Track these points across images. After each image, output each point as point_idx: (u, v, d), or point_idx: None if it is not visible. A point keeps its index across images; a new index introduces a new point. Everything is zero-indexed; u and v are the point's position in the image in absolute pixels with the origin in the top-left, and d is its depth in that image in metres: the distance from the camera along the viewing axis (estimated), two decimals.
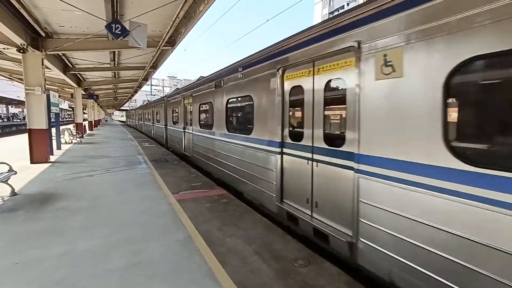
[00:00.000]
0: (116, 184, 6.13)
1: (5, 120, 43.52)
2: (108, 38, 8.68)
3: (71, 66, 13.35)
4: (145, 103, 31.99)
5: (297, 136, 3.90)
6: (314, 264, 2.90)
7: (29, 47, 7.98)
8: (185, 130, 10.02)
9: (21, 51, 7.94)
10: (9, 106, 50.06)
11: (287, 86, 4.03)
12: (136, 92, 29.13)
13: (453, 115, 2.13)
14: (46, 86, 9.15)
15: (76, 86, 17.15)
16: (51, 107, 10.04)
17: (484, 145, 2.04)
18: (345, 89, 3.09)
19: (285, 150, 4.11)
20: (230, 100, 5.95)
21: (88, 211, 4.39)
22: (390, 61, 2.48)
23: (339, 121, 3.46)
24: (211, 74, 7.21)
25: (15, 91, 30.37)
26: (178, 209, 4.52)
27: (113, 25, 6.27)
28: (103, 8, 6.51)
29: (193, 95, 8.61)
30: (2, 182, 4.94)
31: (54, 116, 11.16)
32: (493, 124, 2.04)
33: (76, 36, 8.59)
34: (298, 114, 4.00)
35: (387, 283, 2.57)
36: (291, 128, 4.12)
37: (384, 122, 2.54)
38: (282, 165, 4.16)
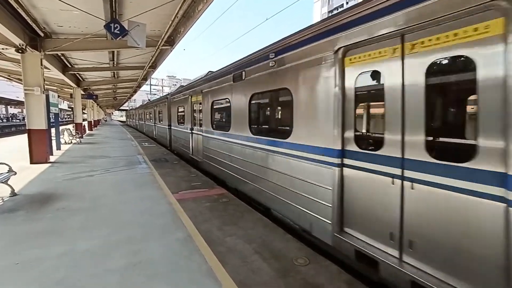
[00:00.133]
0: (116, 184, 6.13)
1: (5, 120, 43.47)
2: (107, 38, 8.66)
3: (70, 66, 13.32)
4: (146, 102, 30.95)
5: (369, 143, 3.04)
6: (314, 263, 2.90)
7: (28, 47, 7.95)
8: (193, 131, 8.88)
9: (20, 51, 7.92)
10: (8, 107, 49.98)
11: (352, 72, 2.95)
12: (135, 92, 29.07)
13: None
14: (45, 86, 9.14)
15: (75, 86, 17.12)
16: (51, 107, 10.02)
17: None
18: (476, 71, 2.02)
19: (347, 161, 3.02)
20: (256, 96, 4.89)
21: (88, 211, 4.39)
22: None
23: (460, 121, 2.51)
24: (227, 65, 6.11)
25: (14, 91, 30.33)
26: (178, 209, 4.52)
27: (112, 25, 6.25)
28: (102, 8, 6.48)
29: (204, 91, 7.51)
30: (2, 182, 4.94)
31: (53, 116, 11.15)
32: None
33: (75, 36, 8.57)
34: (374, 111, 3.13)
35: None
36: (357, 132, 3.04)
37: None
38: (343, 182, 3.07)
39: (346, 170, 3.05)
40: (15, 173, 5.45)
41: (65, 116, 62.60)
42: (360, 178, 2.90)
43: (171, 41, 9.46)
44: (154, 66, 13.37)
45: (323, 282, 2.57)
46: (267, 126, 5.21)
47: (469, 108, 2.45)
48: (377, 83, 2.80)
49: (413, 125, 2.42)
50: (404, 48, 2.49)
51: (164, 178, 6.67)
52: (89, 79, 18.13)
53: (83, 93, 19.39)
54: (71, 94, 18.59)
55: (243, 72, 5.15)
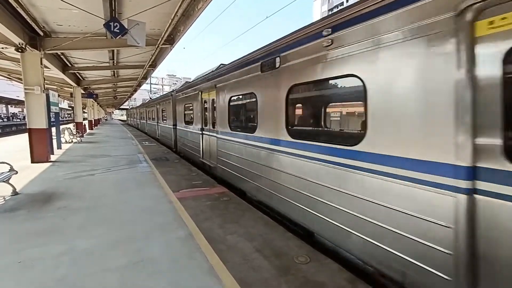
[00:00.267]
0: (116, 183, 6.14)
1: (5, 120, 43.54)
2: (106, 36, 8.65)
3: (70, 65, 13.32)
4: (147, 100, 30.23)
5: None
6: (315, 261, 2.91)
7: (28, 46, 7.95)
8: (204, 132, 7.77)
9: (20, 50, 7.91)
10: (9, 106, 50.05)
11: (491, 45, 1.86)
12: (135, 91, 29.07)
13: None
14: (46, 85, 9.13)
15: (76, 85, 17.13)
16: (51, 107, 10.03)
17: None
18: None
19: (483, 185, 1.90)
20: (298, 88, 3.86)
21: (89, 210, 4.40)
22: None
23: None
24: (251, 53, 4.98)
25: (15, 90, 30.36)
26: (179, 207, 4.53)
27: (112, 24, 6.24)
28: (101, 7, 6.48)
29: (218, 86, 6.45)
30: (4, 181, 4.95)
31: (54, 115, 11.16)
32: None
33: (75, 35, 8.56)
34: None
35: None
36: (508, 138, 1.88)
37: None
38: (474, 217, 1.95)
39: (481, 200, 1.93)
40: (16, 172, 5.46)
41: (66, 115, 62.68)
42: None
43: (171, 40, 9.45)
44: (154, 65, 13.36)
45: (323, 280, 2.58)
46: (317, 128, 4.15)
47: None
48: None
49: None
50: None
51: (165, 177, 6.68)
52: (89, 78, 18.13)
53: (83, 92, 19.40)
54: (71, 93, 18.60)
55: (277, 59, 4.05)
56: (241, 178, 5.41)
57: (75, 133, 15.43)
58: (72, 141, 14.55)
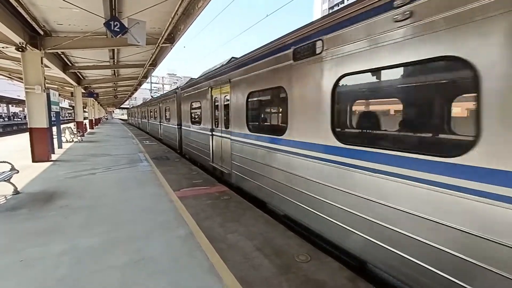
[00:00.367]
0: (117, 182, 6.15)
1: (6, 119, 43.63)
2: (107, 35, 8.65)
3: (70, 64, 13.33)
4: (148, 99, 29.49)
5: None
6: (315, 259, 2.91)
7: (28, 45, 7.95)
8: (215, 133, 6.99)
9: (20, 49, 7.92)
10: (10, 105, 50.12)
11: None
12: (136, 90, 29.04)
13: None
14: (46, 84, 9.14)
15: (76, 84, 17.13)
16: (52, 106, 10.04)
17: None
18: None
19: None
20: (350, 79, 2.97)
21: (90, 209, 4.42)
22: None
23: None
24: (279, 38, 4.05)
25: (15, 90, 30.40)
26: (180, 206, 4.54)
27: (112, 23, 6.24)
28: (101, 6, 6.47)
29: (233, 80, 5.68)
30: (5, 181, 4.97)
31: (54, 114, 11.17)
32: None
33: (75, 34, 8.56)
34: None
35: None
36: None
37: None
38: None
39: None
40: (18, 172, 5.48)
41: (66, 115, 62.77)
42: None
43: (171, 39, 9.43)
44: (154, 64, 13.35)
45: (324, 279, 2.58)
46: (385, 131, 3.07)
47: None
48: None
49: None
50: None
51: (165, 176, 6.69)
52: (89, 77, 18.13)
53: (83, 91, 19.42)
54: (71, 93, 18.62)
55: (319, 43, 3.25)
56: (266, 190, 4.51)
57: (75, 132, 15.45)
58: (72, 141, 14.57)
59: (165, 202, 4.78)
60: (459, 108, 2.27)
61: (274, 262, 2.86)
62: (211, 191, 5.42)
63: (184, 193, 5.28)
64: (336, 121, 3.11)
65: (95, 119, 29.60)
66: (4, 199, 4.89)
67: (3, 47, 9.02)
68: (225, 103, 6.21)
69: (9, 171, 5.31)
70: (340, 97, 3.13)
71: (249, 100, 5.06)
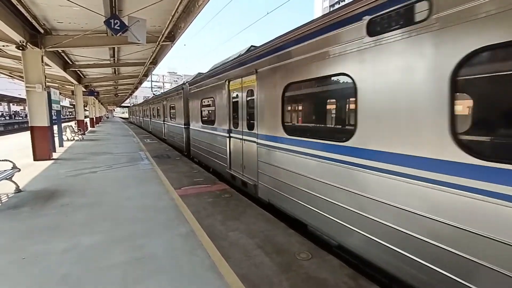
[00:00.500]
0: (118, 180, 6.16)
1: (7, 118, 43.74)
2: (107, 34, 8.63)
3: (71, 63, 13.33)
4: (149, 97, 28.83)
5: None
6: (316, 257, 2.91)
7: (28, 44, 7.95)
8: (233, 135, 5.99)
9: (20, 48, 7.92)
10: (11, 104, 50.23)
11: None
12: (136, 88, 29.05)
13: None
14: (47, 83, 9.15)
15: (77, 83, 17.14)
16: (52, 104, 10.05)
17: None
18: None
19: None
20: (484, 59, 1.93)
21: (91, 207, 4.43)
22: None
23: None
24: (342, 7, 2.95)
25: (16, 88, 30.47)
26: (181, 204, 4.55)
27: (112, 21, 6.22)
28: (102, 4, 6.45)
29: (260, 70, 4.64)
30: (7, 179, 4.99)
31: (55, 113, 11.18)
32: None
33: (75, 33, 8.55)
34: None
35: None
36: None
37: None
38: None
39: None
40: (19, 170, 5.49)
41: (67, 113, 62.86)
42: None
43: (172, 37, 9.40)
44: (155, 62, 13.33)
45: (325, 276, 2.59)
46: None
47: None
48: None
49: None
50: None
51: (166, 174, 6.70)
52: (90, 76, 18.14)
53: (84, 90, 19.44)
54: (72, 91, 18.66)
55: (419, 5, 2.17)
56: (315, 212, 3.45)
57: (76, 131, 15.48)
58: (73, 139, 14.60)
59: (166, 200, 4.79)
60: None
61: (275, 260, 2.87)
62: (212, 189, 5.43)
63: (185, 191, 5.29)
64: (460, 125, 2.00)
65: (96, 117, 29.62)
66: (6, 197, 4.91)
67: (3, 46, 9.02)
68: (249, 98, 5.22)
69: (11, 169, 5.33)
70: (466, 89, 2.09)
71: (286, 94, 4.02)
